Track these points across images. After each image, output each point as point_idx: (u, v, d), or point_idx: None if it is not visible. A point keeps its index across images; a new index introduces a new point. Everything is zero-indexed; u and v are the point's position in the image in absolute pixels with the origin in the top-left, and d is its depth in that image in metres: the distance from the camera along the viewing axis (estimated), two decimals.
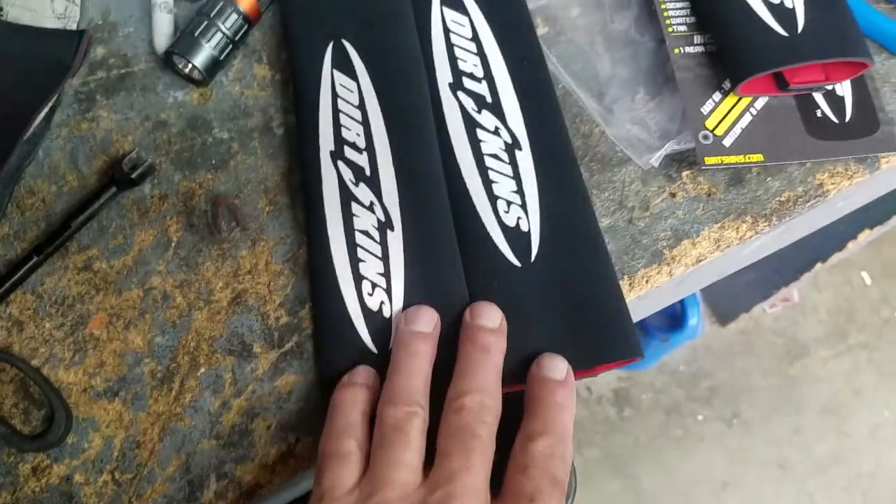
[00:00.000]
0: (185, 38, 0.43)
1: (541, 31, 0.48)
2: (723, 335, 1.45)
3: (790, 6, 0.43)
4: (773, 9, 0.43)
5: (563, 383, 0.36)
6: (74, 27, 0.45)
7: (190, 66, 0.43)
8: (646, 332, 1.23)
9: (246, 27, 0.45)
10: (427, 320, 0.37)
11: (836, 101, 0.45)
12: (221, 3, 0.43)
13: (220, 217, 0.42)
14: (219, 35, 0.43)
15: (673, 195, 0.45)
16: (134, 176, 0.41)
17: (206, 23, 0.43)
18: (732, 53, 0.44)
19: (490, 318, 0.37)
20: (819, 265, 1.09)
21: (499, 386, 0.35)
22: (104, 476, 0.37)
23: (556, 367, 0.36)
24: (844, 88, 0.46)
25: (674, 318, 1.18)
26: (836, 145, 0.44)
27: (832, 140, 0.44)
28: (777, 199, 0.45)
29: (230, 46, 0.44)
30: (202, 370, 0.39)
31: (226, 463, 0.38)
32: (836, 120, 0.45)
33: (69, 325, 0.40)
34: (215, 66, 0.44)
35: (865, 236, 1.06)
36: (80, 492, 0.37)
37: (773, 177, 0.45)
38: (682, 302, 1.17)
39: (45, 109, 0.40)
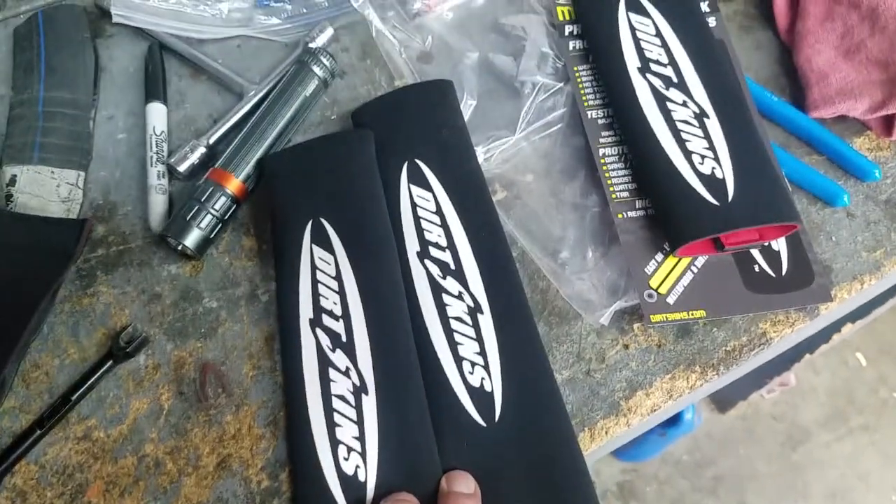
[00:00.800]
0: (177, 222, 0.48)
1: (499, 195, 0.53)
2: (723, 422, 1.45)
3: (720, 176, 0.48)
4: (704, 179, 0.48)
5: (472, 496, 0.40)
6: (78, 209, 0.50)
7: (182, 246, 0.48)
8: None
9: (234, 207, 0.50)
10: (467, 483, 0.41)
11: (772, 256, 0.49)
12: (211, 188, 0.48)
13: (207, 384, 0.46)
14: (209, 217, 0.48)
15: (626, 346, 0.49)
16: (129, 350, 0.46)
17: (196, 207, 0.48)
18: (669, 221, 0.48)
19: (465, 485, 0.41)
20: (808, 356, 1.11)
21: None
22: None
23: (464, 482, 0.41)
24: (780, 244, 0.50)
25: None
26: (774, 298, 0.48)
27: (770, 293, 0.48)
28: (723, 348, 0.49)
29: (219, 225, 0.49)
30: None
31: None
32: (772, 274, 0.49)
33: (69, 495, 0.43)
34: (206, 243, 0.49)
35: (849, 329, 1.08)
36: None
37: (718, 328, 0.49)
38: None
39: (50, 293, 0.45)
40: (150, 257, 0.50)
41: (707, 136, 0.49)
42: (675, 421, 1.18)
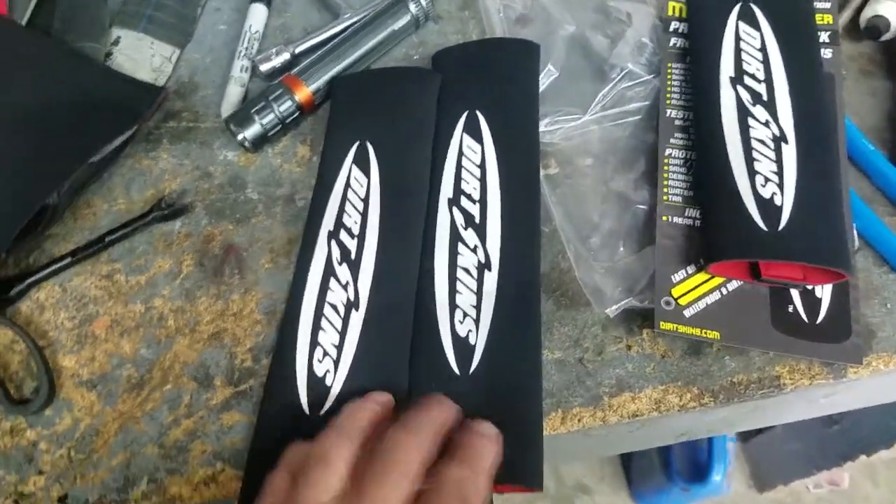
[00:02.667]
0: (242, 112, 0.51)
1: (552, 170, 0.53)
2: (757, 502, 1.36)
3: (778, 203, 0.45)
4: (760, 202, 0.45)
5: (493, 438, 0.38)
6: (164, 80, 0.55)
7: (241, 135, 0.51)
8: (667, 477, 1.19)
9: (297, 114, 0.52)
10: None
11: (811, 301, 0.46)
12: (281, 90, 0.51)
13: (227, 263, 0.49)
14: (271, 116, 0.51)
15: (629, 347, 0.47)
16: (168, 213, 0.49)
17: (262, 104, 0.51)
18: (710, 234, 0.46)
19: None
20: (863, 457, 1.02)
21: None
22: (62, 450, 0.44)
23: (488, 428, 0.39)
24: (824, 291, 0.46)
25: (698, 467, 1.14)
26: (800, 344, 0.45)
27: (796, 337, 0.45)
28: (730, 378, 0.46)
29: (279, 127, 0.52)
30: (168, 386, 0.46)
31: (160, 470, 0.43)
32: (806, 319, 0.46)
33: (78, 320, 0.47)
34: (262, 140, 0.51)
35: None
36: (39, 457, 0.44)
37: (731, 356, 0.47)
38: (710, 451, 1.13)
39: (117, 143, 0.49)
40: (213, 140, 0.54)
41: (778, 161, 0.47)
42: (701, 478, 1.12)
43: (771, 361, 0.46)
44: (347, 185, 0.49)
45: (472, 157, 0.50)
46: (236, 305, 0.48)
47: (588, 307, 0.48)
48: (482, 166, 0.50)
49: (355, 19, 0.57)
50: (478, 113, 0.52)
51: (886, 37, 0.57)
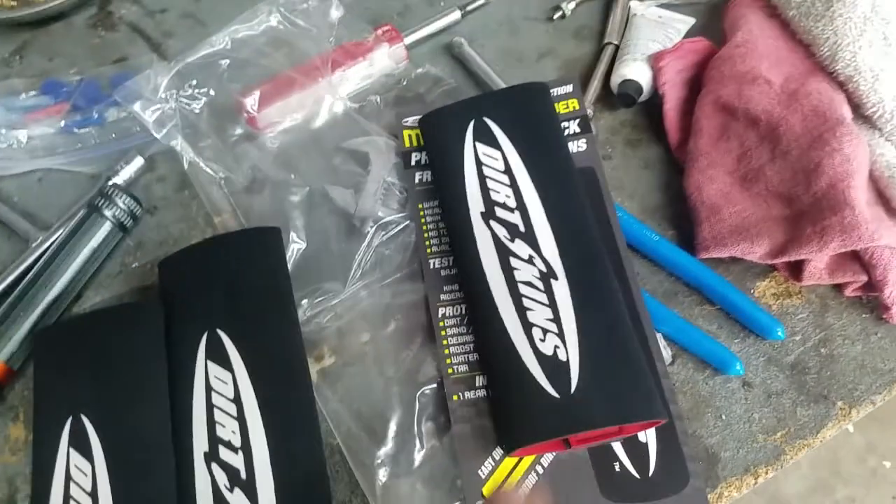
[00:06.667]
0: None
1: (327, 361, 0.45)
2: None
3: (563, 358, 0.39)
4: (544, 362, 0.39)
5: None
6: None
7: None
8: None
9: None
10: None
11: (637, 451, 0.40)
12: None
13: None
14: None
15: None
16: None
17: None
18: (500, 416, 0.40)
19: None
20: None
21: None
22: None
23: None
24: (647, 435, 0.40)
25: None
26: None
27: (633, 502, 0.39)
28: None
29: None
30: None
31: None
32: (637, 475, 0.40)
33: None
34: None
35: None
36: None
37: None
38: None
39: None
40: None
41: (552, 304, 0.40)
42: None
43: None
44: (68, 478, 0.39)
45: (223, 392, 0.41)
46: None
47: None
48: (237, 400, 0.41)
49: (48, 244, 0.47)
50: (219, 333, 0.42)
51: (642, 98, 0.52)
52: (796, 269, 0.46)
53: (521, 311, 0.40)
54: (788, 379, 0.44)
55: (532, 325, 0.40)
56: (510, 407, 0.39)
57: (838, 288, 0.46)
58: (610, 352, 0.39)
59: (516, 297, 0.41)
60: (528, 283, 0.41)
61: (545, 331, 0.39)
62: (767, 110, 0.47)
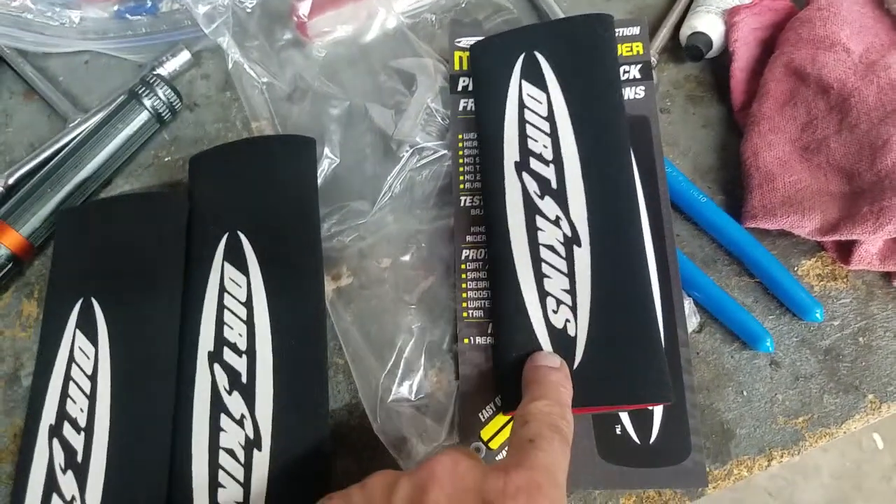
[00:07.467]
0: None
1: (344, 281, 0.44)
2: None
3: (572, 334, 0.37)
4: (554, 334, 0.37)
5: (558, 369, 0.35)
6: None
7: None
8: None
9: (10, 265, 0.42)
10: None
11: (641, 416, 0.38)
12: None
13: None
14: None
15: None
16: None
17: None
18: (501, 373, 0.38)
19: (550, 360, 0.36)
20: None
21: None
22: None
23: (551, 358, 0.36)
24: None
25: None
26: (631, 474, 0.37)
27: (628, 466, 0.38)
28: None
29: None
30: None
31: None
32: (638, 440, 0.38)
33: None
34: None
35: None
36: None
37: (570, 496, 0.39)
38: None
39: None
40: None
41: (570, 274, 0.38)
42: None
43: (614, 495, 0.39)
44: (71, 359, 0.39)
45: (236, 294, 0.40)
46: None
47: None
48: (248, 304, 0.40)
49: (85, 126, 0.47)
50: (240, 235, 0.42)
51: (711, 54, 0.49)
52: (846, 252, 0.42)
53: (540, 277, 0.38)
54: (820, 364, 0.41)
55: (548, 293, 0.38)
56: (513, 371, 0.37)
57: (887, 277, 0.43)
58: (621, 330, 0.37)
59: (536, 263, 0.39)
60: (551, 248, 0.39)
61: (559, 302, 0.38)
62: (841, 79, 0.43)
